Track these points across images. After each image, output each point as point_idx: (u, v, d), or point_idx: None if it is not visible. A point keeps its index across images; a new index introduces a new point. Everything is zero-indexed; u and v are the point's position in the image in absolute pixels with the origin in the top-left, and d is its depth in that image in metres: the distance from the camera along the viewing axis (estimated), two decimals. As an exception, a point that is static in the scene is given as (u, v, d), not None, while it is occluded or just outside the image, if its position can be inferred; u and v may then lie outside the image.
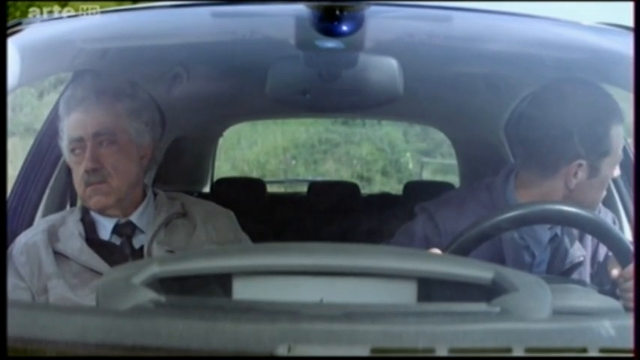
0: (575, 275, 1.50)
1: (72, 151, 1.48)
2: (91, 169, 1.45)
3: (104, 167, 1.46)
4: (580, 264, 1.51)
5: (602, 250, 1.51)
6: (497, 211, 1.34)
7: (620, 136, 1.46)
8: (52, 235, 1.47)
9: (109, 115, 1.49)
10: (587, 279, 1.51)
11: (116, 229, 1.50)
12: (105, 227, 1.50)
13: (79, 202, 1.55)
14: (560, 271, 1.50)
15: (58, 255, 1.45)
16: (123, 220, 1.50)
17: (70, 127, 1.49)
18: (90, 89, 1.52)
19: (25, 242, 1.46)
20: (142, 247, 1.48)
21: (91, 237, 1.48)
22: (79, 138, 1.47)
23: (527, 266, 1.49)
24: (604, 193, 1.50)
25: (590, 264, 1.53)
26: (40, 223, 1.57)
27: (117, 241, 1.50)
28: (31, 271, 1.43)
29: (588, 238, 1.52)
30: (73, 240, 1.47)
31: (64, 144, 1.50)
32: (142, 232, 1.50)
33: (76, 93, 1.51)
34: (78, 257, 1.44)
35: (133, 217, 1.51)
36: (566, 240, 1.50)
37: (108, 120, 1.48)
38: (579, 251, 1.51)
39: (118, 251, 1.48)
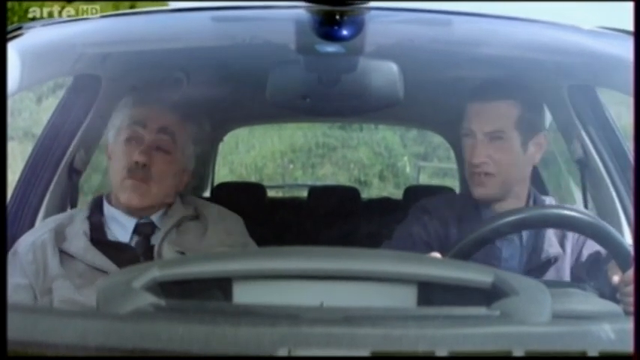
0: (551, 271, 1.52)
1: (127, 139, 1.50)
2: (142, 164, 1.47)
3: (152, 169, 1.49)
4: (555, 260, 1.52)
5: (587, 248, 1.52)
6: (497, 216, 1.35)
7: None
8: (59, 234, 1.48)
9: (177, 127, 1.53)
10: (565, 276, 1.52)
11: (137, 229, 1.51)
12: (122, 226, 1.51)
13: (80, 204, 1.55)
14: (532, 267, 1.52)
15: (64, 254, 1.45)
16: (143, 220, 1.52)
17: (136, 113, 1.52)
18: (167, 102, 1.57)
19: (33, 241, 1.46)
20: (152, 247, 1.49)
21: (96, 236, 1.49)
22: (143, 124, 1.50)
23: (496, 259, 1.51)
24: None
25: (571, 261, 1.54)
26: (49, 221, 1.57)
27: (126, 239, 1.50)
28: (36, 270, 1.43)
29: (569, 236, 1.53)
30: (77, 239, 1.47)
31: (116, 129, 1.53)
32: (159, 229, 1.52)
33: (155, 96, 1.59)
34: (83, 256, 1.44)
35: (154, 218, 1.53)
36: (538, 235, 1.53)
37: (174, 127, 1.52)
38: (554, 248, 1.52)
39: (123, 250, 1.49)
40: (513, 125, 1.54)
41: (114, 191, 1.53)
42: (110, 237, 1.51)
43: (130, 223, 1.51)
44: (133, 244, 1.50)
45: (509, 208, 1.52)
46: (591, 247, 1.50)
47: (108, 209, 1.53)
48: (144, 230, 1.52)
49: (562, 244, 1.53)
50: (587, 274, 1.49)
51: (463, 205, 1.61)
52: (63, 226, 1.50)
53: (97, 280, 1.39)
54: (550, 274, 1.51)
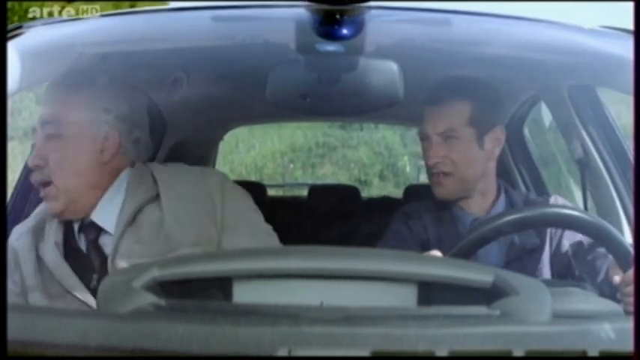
0: (530, 263, 1.53)
1: (32, 147, 1.40)
2: (35, 166, 1.35)
3: (49, 164, 1.34)
4: (533, 251, 1.54)
5: (567, 238, 1.53)
6: (498, 215, 1.36)
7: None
8: (38, 237, 1.39)
9: (60, 105, 1.38)
10: (545, 267, 1.54)
11: (81, 232, 1.38)
12: (75, 232, 1.39)
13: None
14: (511, 258, 1.53)
15: (41, 260, 1.36)
16: (86, 221, 1.37)
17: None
18: (56, 84, 1.45)
19: (12, 247, 1.38)
20: (106, 260, 1.33)
21: (67, 244, 1.38)
22: (32, 128, 1.41)
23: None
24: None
25: (550, 251, 1.55)
26: (29, 220, 1.45)
27: (84, 247, 1.37)
28: (20, 277, 1.36)
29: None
30: (49, 248, 1.37)
31: None
32: (107, 232, 1.35)
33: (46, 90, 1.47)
34: (54, 270, 1.35)
35: (94, 216, 1.37)
36: None
37: (57, 109, 1.37)
38: (531, 239, 1.54)
39: (86, 261, 1.36)
40: (465, 122, 1.57)
41: None
42: (75, 246, 1.38)
43: (76, 225, 1.38)
44: (87, 252, 1.36)
45: (478, 205, 1.60)
46: (572, 237, 1.52)
47: None
48: (88, 235, 1.37)
49: (539, 235, 1.55)
50: (571, 264, 1.51)
51: (439, 207, 1.63)
52: (41, 226, 1.40)
53: (69, 290, 1.32)
54: (529, 266, 1.53)
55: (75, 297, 1.32)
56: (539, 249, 1.54)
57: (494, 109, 1.63)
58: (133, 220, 1.35)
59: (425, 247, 1.53)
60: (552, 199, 1.65)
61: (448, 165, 1.57)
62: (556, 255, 1.54)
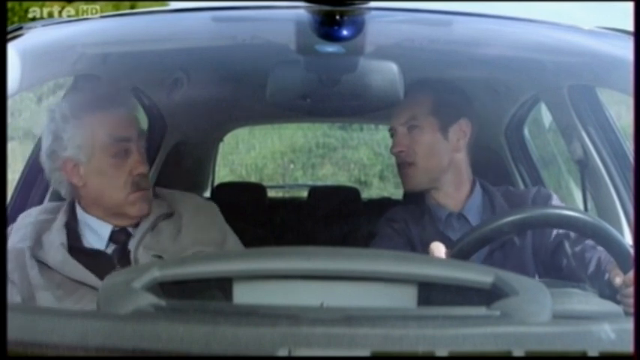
0: (513, 253, 1.53)
1: (114, 155, 1.43)
2: (144, 174, 1.46)
3: (147, 174, 1.48)
4: (516, 240, 1.53)
5: (548, 236, 1.53)
6: (498, 215, 1.36)
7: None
8: (36, 241, 1.42)
9: (136, 125, 1.50)
10: (528, 257, 1.54)
11: (112, 237, 1.46)
12: (96, 234, 1.46)
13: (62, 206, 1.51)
14: (494, 248, 1.52)
15: (42, 264, 1.40)
16: (117, 228, 1.47)
17: (108, 125, 1.44)
18: (115, 92, 1.57)
19: (12, 248, 1.40)
20: (128, 253, 1.43)
21: (73, 245, 1.43)
22: (126, 138, 1.45)
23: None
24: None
25: (533, 249, 1.55)
26: (24, 224, 1.48)
27: (102, 247, 1.45)
28: (20, 277, 1.38)
29: None
30: (54, 250, 1.41)
31: (88, 149, 1.43)
32: (133, 235, 1.47)
33: (98, 93, 1.56)
34: (61, 269, 1.39)
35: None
36: None
37: (136, 123, 1.50)
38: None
39: (100, 258, 1.44)
40: (428, 112, 1.60)
41: (113, 208, 1.46)
42: (87, 245, 1.45)
43: (106, 230, 1.46)
44: (109, 251, 1.45)
45: (451, 198, 1.62)
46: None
47: (82, 216, 1.47)
48: (119, 237, 1.46)
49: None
50: (556, 252, 1.52)
51: (416, 206, 1.66)
52: (39, 233, 1.44)
53: (77, 291, 1.37)
54: (512, 254, 1.53)
55: (91, 288, 1.37)
56: (522, 237, 1.54)
57: (458, 101, 1.66)
58: (153, 228, 1.48)
59: (410, 245, 1.56)
60: (534, 190, 1.65)
61: (411, 155, 1.61)
62: (541, 244, 1.54)
